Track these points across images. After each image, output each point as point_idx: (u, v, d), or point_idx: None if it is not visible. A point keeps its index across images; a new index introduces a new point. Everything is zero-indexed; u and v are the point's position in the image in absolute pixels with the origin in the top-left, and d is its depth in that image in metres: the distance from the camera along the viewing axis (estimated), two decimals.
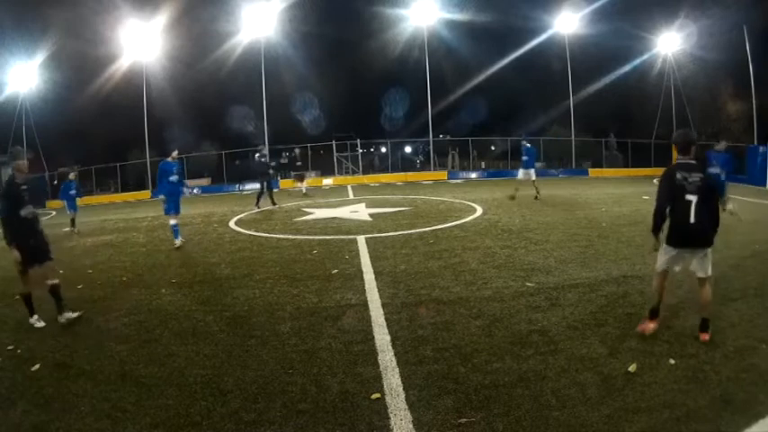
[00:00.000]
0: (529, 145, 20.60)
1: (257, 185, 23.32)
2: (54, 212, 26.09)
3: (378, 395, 4.70)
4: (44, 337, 7.56)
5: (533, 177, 20.50)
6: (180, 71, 37.92)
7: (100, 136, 39.73)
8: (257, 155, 22.48)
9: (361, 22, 36.25)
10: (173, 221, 13.77)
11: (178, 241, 13.66)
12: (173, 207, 13.70)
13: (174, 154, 14.08)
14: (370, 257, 10.32)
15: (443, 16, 35.32)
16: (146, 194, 36.45)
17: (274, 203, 20.66)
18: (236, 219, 17.90)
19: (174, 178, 13.60)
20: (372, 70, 38.30)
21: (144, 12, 34.99)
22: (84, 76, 37.59)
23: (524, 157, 20.71)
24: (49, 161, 38.03)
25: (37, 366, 6.36)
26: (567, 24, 37.35)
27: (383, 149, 24.66)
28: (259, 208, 20.30)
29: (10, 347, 7.15)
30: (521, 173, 20.86)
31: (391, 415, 4.38)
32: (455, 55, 37.12)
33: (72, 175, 20.18)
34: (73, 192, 19.80)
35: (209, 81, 37.40)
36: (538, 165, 40.86)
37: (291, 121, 40.10)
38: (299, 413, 4.54)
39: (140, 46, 36.70)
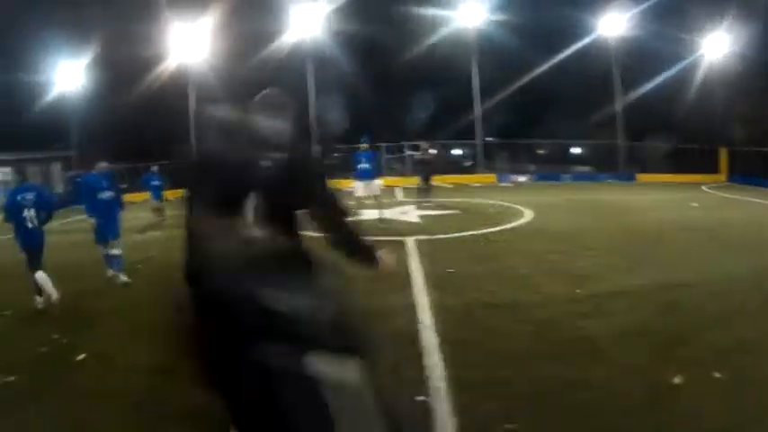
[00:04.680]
0: (367, 147, 16.88)
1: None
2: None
3: (423, 398, 4.71)
4: (90, 328, 7.90)
5: (378, 192, 16.62)
6: (224, 70, 38.29)
7: (144, 135, 40.55)
8: (422, 151, 21.61)
9: (408, 23, 35.80)
10: (114, 251, 10.72)
11: (111, 272, 10.70)
12: (108, 231, 10.77)
13: (103, 165, 11.06)
14: (420, 259, 10.30)
15: (489, 17, 34.76)
16: None
17: (424, 199, 19.88)
18: None
19: (106, 195, 10.73)
20: (419, 71, 37.88)
21: (189, 13, 35.54)
22: (129, 77, 38.35)
23: (363, 165, 16.47)
24: (93, 159, 38.78)
25: (82, 356, 6.62)
26: (612, 26, 36.67)
27: (432, 151, 24.59)
28: (431, 200, 19.57)
29: (55, 336, 7.48)
30: (359, 187, 16.48)
31: (436, 418, 4.41)
32: (501, 56, 36.44)
33: (155, 168, 21.54)
34: (156, 183, 21.13)
35: (253, 81, 37.55)
36: (584, 168, 39.64)
37: (335, 121, 39.92)
38: None
39: (185, 46, 37.55)
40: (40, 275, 8.96)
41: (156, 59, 38.12)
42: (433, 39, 35.69)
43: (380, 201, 16.44)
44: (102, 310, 8.90)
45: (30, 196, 9.15)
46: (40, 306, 9.01)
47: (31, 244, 9.22)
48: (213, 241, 2.97)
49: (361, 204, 16.29)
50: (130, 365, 6.34)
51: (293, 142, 3.38)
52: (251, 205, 3.01)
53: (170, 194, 21.99)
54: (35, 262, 9.14)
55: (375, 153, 17.27)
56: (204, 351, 2.92)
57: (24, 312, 9.23)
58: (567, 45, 36.57)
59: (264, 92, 3.51)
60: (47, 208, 9.43)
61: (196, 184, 3.28)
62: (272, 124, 3.29)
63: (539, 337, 5.95)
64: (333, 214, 3.39)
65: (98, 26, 37.10)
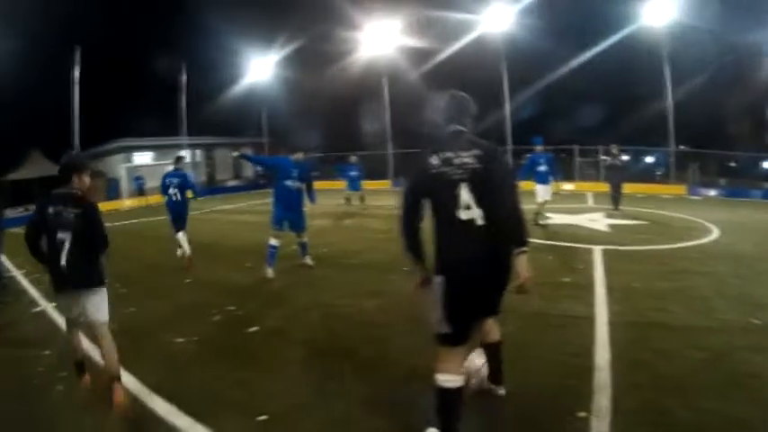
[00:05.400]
0: (541, 148, 16.16)
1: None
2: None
3: (584, 414, 4.73)
4: (266, 305, 8.66)
5: (549, 197, 16.31)
6: (416, 64, 38.85)
7: (337, 126, 42.38)
8: (611, 156, 20.72)
9: (590, 21, 34.05)
10: (273, 241, 10.80)
11: (270, 271, 10.67)
12: (285, 220, 10.97)
13: (298, 154, 11.14)
14: (604, 270, 10.21)
15: (678, 16, 31.84)
16: (385, 184, 38.59)
17: (613, 207, 19.38)
18: None
19: (290, 183, 10.82)
20: (604, 72, 36.11)
21: (379, 8, 36.62)
22: (324, 70, 40.97)
23: (542, 168, 16.10)
24: (288, 146, 40.66)
25: (254, 329, 7.38)
26: None
27: (624, 157, 23.30)
28: (620, 209, 19.06)
29: (231, 308, 8.42)
30: (541, 191, 16.17)
31: None
32: (692, 57, 33.41)
33: (353, 159, 22.91)
34: (354, 173, 22.44)
35: (447, 76, 37.42)
36: None
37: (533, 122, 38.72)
38: (501, 417, 4.82)
39: (377, 42, 38.12)
40: (180, 235, 12.52)
41: (348, 55, 39.93)
42: (617, 37, 33.85)
43: (545, 205, 16.31)
44: (278, 289, 9.81)
45: (175, 180, 12.53)
46: (179, 254, 12.61)
47: (175, 211, 12.58)
48: (447, 224, 4.00)
49: (544, 208, 16.31)
50: (301, 341, 6.97)
51: (485, 142, 4.15)
52: (467, 193, 3.91)
53: (367, 184, 22.80)
54: (178, 224, 12.60)
55: (551, 155, 16.67)
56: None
57: (203, 282, 10.65)
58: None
59: (454, 95, 4.33)
60: (185, 188, 12.66)
61: (414, 178, 4.17)
62: (468, 124, 4.27)
63: (707, 367, 5.68)
64: (508, 213, 3.98)
65: (292, 22, 39.12)
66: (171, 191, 12.55)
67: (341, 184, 24.29)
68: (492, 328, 4.73)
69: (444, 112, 4.28)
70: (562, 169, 28.79)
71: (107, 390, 5.23)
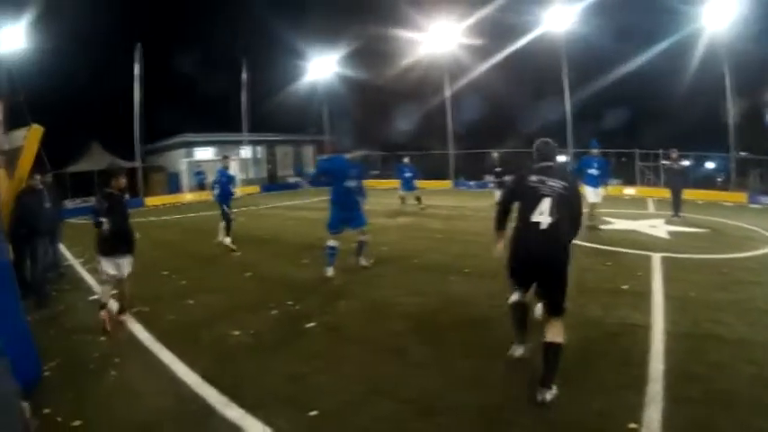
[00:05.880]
0: (597, 152, 16.05)
1: None
2: None
3: (635, 425, 4.69)
4: (324, 301, 8.74)
5: (598, 199, 16.14)
6: (472, 63, 38.61)
7: (397, 125, 42.75)
8: (671, 160, 19.59)
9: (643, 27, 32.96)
10: (332, 242, 10.58)
11: (330, 270, 10.49)
12: (342, 222, 10.73)
13: (357, 153, 11.07)
14: (663, 278, 10.01)
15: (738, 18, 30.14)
16: (446, 184, 38.09)
17: (673, 214, 18.62)
18: None
19: (349, 183, 10.50)
20: (658, 75, 34.90)
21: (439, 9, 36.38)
22: (383, 69, 41.27)
23: (593, 171, 16.00)
24: (347, 145, 41.20)
25: (311, 324, 7.51)
26: None
27: (685, 162, 22.22)
28: (680, 216, 18.34)
29: (289, 303, 8.57)
30: (590, 194, 15.93)
31: None
32: (749, 60, 31.83)
33: (406, 160, 23.25)
34: (408, 174, 22.80)
35: (505, 80, 37.05)
36: None
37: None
38: (551, 423, 4.81)
39: (439, 41, 37.77)
40: (222, 223, 14.72)
41: (409, 55, 39.83)
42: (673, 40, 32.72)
43: (596, 209, 16.08)
44: (337, 286, 9.89)
45: (223, 177, 14.90)
46: (224, 241, 14.56)
47: (218, 202, 14.81)
48: (523, 220, 5.65)
49: (596, 211, 16.10)
50: (357, 339, 7.10)
51: (568, 174, 6.09)
52: (546, 205, 5.53)
53: (427, 184, 22.88)
54: (222, 214, 14.76)
55: (605, 160, 16.57)
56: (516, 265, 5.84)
57: (261, 276, 10.91)
58: None
59: (547, 142, 6.05)
60: (226, 184, 14.84)
61: (515, 184, 5.98)
62: (555, 160, 6.02)
63: (760, 382, 5.54)
64: (572, 222, 5.70)
65: (355, 21, 40.11)
66: (214, 184, 15.15)
67: (397, 183, 24.42)
68: (554, 328, 5.46)
69: (540, 153, 6.02)
70: (624, 174, 28.28)
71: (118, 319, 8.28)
